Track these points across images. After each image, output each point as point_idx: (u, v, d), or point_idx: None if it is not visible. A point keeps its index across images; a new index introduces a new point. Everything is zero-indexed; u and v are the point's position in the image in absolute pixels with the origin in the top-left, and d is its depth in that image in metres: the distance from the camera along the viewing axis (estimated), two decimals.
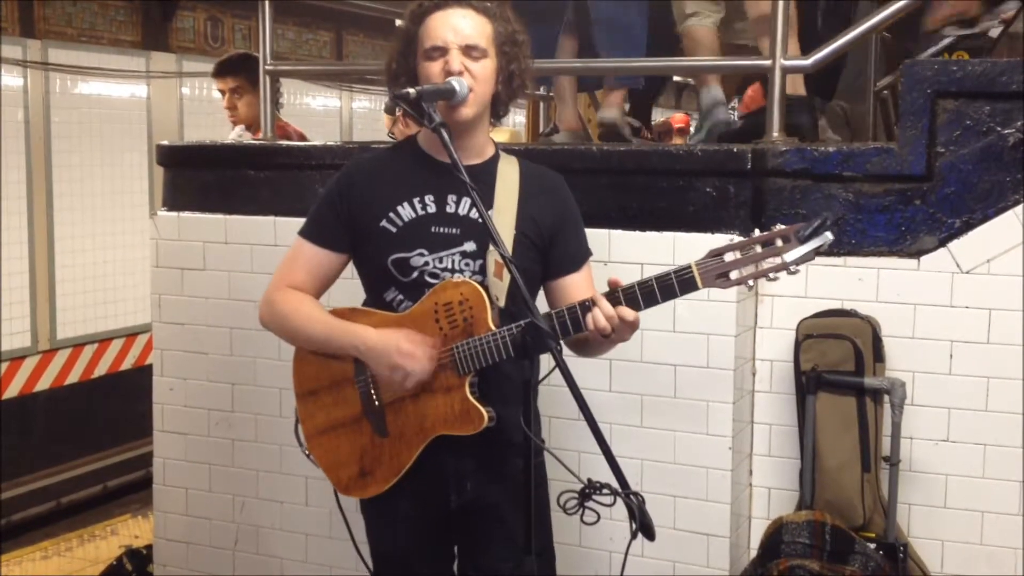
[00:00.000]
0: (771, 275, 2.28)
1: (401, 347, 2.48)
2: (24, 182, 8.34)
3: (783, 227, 2.27)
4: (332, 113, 11.87)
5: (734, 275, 2.30)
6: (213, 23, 10.41)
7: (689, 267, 2.32)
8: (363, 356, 2.56)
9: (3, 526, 7.83)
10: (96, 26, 9.09)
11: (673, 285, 2.33)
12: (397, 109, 5.43)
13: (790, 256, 2.25)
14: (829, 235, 2.24)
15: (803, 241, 2.24)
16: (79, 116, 8.77)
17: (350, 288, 2.75)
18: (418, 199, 2.58)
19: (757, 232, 2.30)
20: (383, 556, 2.76)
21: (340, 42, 12.28)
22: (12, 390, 8.40)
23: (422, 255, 2.55)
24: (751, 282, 2.31)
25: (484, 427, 2.50)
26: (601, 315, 2.35)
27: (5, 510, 8.00)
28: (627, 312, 2.35)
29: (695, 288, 2.33)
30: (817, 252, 2.25)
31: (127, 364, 9.32)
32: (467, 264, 2.55)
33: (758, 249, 2.28)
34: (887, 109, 5.73)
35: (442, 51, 2.51)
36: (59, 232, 8.64)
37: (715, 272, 2.31)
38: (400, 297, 2.58)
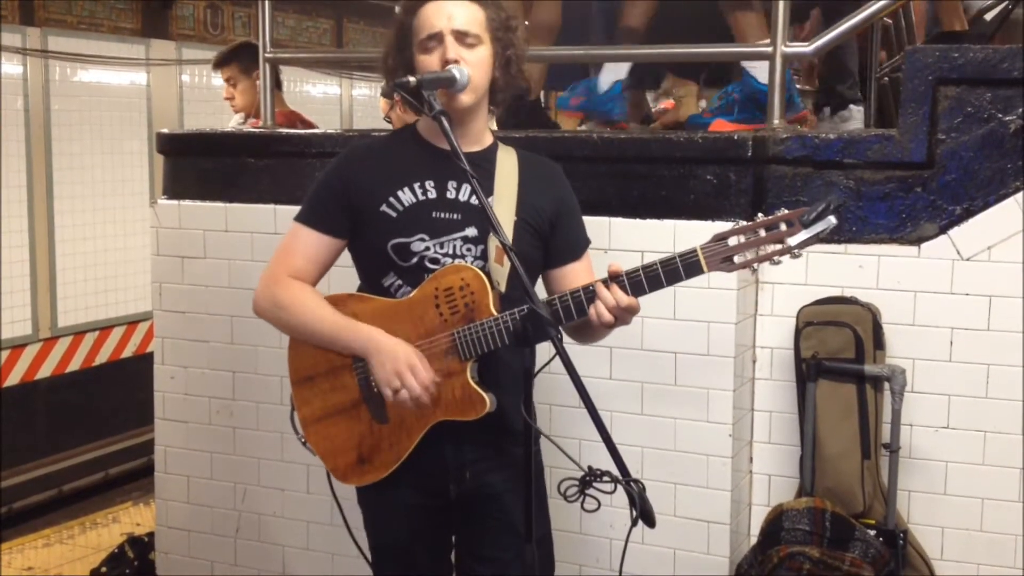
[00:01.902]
0: (775, 259, 2.29)
1: (413, 362, 2.46)
2: (24, 170, 8.33)
3: (787, 211, 2.29)
4: (332, 100, 11.85)
5: (738, 259, 2.31)
6: (213, 10, 10.38)
7: (694, 251, 2.33)
8: (369, 355, 2.53)
9: (5, 514, 7.84)
10: (96, 14, 9.06)
11: (678, 269, 2.34)
12: (395, 94, 5.44)
13: (794, 240, 2.26)
14: (833, 219, 2.26)
15: (807, 225, 2.25)
16: (79, 104, 8.75)
17: (347, 275, 2.75)
18: (418, 184, 2.57)
19: (761, 216, 2.31)
20: (382, 547, 2.76)
21: (340, 30, 12.25)
22: (13, 378, 8.40)
23: (423, 240, 2.54)
24: (756, 266, 2.32)
25: (485, 412, 2.49)
26: (605, 309, 2.36)
27: (7, 498, 8.01)
28: (623, 298, 2.36)
29: (700, 272, 2.34)
30: (820, 237, 2.26)
31: (128, 352, 9.32)
32: (468, 249, 2.55)
33: (762, 233, 2.29)
34: (887, 96, 5.73)
35: (437, 40, 2.51)
36: (59, 220, 8.62)
37: (720, 256, 2.32)
38: (399, 282, 2.57)
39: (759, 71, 3.86)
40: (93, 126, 8.89)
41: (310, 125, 5.38)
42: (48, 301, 8.60)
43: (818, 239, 2.26)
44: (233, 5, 10.57)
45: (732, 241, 2.31)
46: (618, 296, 2.36)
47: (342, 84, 11.95)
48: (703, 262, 2.32)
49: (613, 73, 4.19)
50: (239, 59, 5.44)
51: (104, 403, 9.06)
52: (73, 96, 8.71)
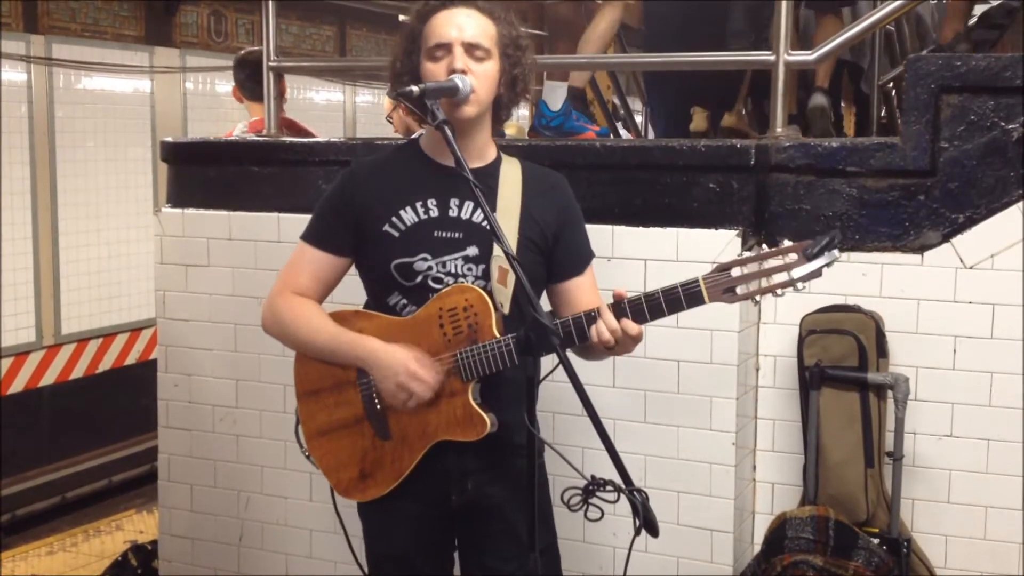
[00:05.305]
0: (778, 292, 2.30)
1: (410, 368, 2.47)
2: (28, 177, 8.36)
3: (791, 244, 2.30)
4: (335, 108, 11.86)
5: (740, 290, 2.32)
6: (216, 18, 10.40)
7: (696, 281, 2.34)
8: (369, 369, 2.54)
9: (8, 521, 7.85)
10: (99, 21, 9.09)
11: (680, 299, 2.35)
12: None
13: (797, 273, 2.28)
14: (837, 253, 2.27)
15: (811, 258, 2.26)
16: (83, 111, 8.78)
17: (352, 286, 2.75)
18: (420, 203, 2.57)
19: (765, 247, 2.32)
20: (382, 557, 2.75)
21: (343, 36, 12.27)
22: (17, 385, 8.42)
23: (425, 259, 2.54)
24: (757, 297, 2.32)
25: (486, 433, 2.50)
26: (605, 329, 2.37)
27: (10, 505, 8.02)
28: (631, 326, 2.38)
29: (702, 302, 2.35)
30: (824, 270, 2.27)
31: (131, 359, 9.33)
32: (470, 269, 2.55)
33: (765, 264, 2.29)
34: (891, 104, 5.74)
35: (446, 49, 2.50)
36: (63, 227, 8.65)
37: (722, 287, 2.33)
38: (404, 301, 2.57)
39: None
40: (97, 133, 8.92)
41: (307, 133, 5.35)
42: (52, 308, 8.62)
43: (821, 273, 2.27)
44: (236, 12, 10.60)
45: (735, 272, 2.32)
46: (624, 324, 2.37)
47: (345, 91, 11.97)
48: (705, 293, 2.34)
49: (562, 90, 4.23)
50: (239, 78, 5.34)
51: (107, 410, 9.07)
52: (77, 103, 8.74)
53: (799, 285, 2.28)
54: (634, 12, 4.85)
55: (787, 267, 2.28)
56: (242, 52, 5.45)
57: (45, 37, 8.51)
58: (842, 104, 5.66)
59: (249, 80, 5.16)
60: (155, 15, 9.61)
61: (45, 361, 8.66)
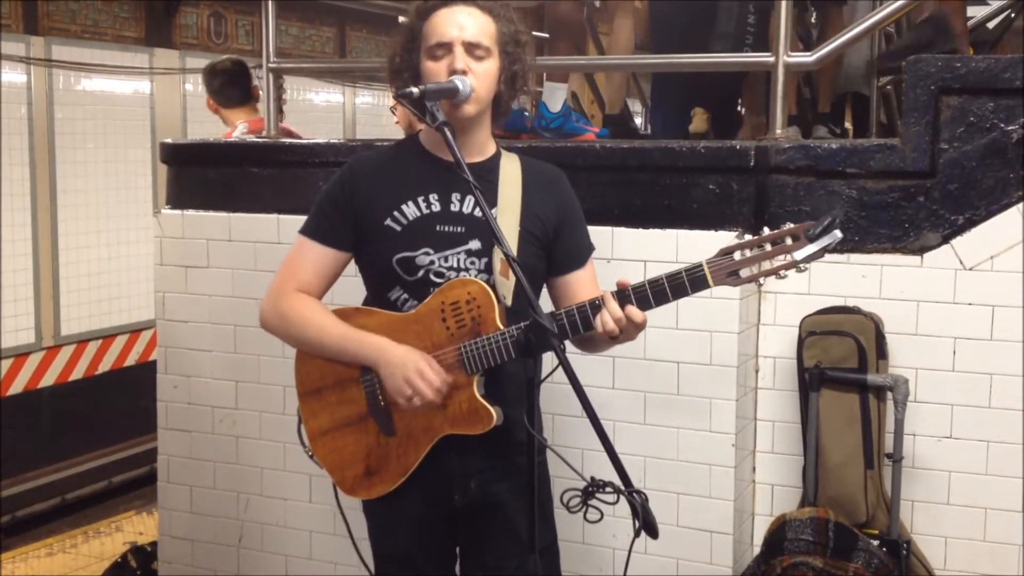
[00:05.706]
0: (781, 273, 2.30)
1: (419, 365, 2.46)
2: (28, 179, 8.35)
3: (792, 225, 2.29)
4: (335, 109, 11.86)
5: (744, 273, 2.32)
6: (216, 19, 10.40)
7: (700, 265, 2.34)
8: (377, 367, 2.53)
9: (7, 522, 7.85)
10: (99, 23, 9.08)
11: (684, 283, 2.35)
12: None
13: (800, 254, 2.27)
14: (838, 233, 2.27)
15: (812, 239, 2.26)
16: (83, 112, 8.77)
17: (352, 285, 2.75)
18: (422, 197, 2.57)
19: (766, 230, 2.31)
20: (385, 555, 2.75)
21: (343, 38, 12.27)
22: (16, 386, 8.41)
23: (427, 254, 2.54)
24: (761, 280, 2.32)
25: (492, 427, 2.49)
26: (610, 317, 2.36)
27: (9, 506, 8.01)
28: (635, 313, 2.37)
29: (706, 286, 2.35)
30: (826, 251, 2.27)
31: (131, 360, 9.33)
32: (472, 262, 2.55)
33: (768, 247, 2.29)
34: (890, 105, 5.74)
35: (446, 49, 2.51)
36: (63, 228, 8.64)
37: (726, 270, 2.33)
38: (405, 296, 2.57)
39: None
40: (97, 135, 8.91)
41: (292, 134, 5.33)
42: (51, 309, 8.62)
43: (824, 253, 2.27)
44: (236, 13, 10.59)
45: (738, 255, 2.32)
46: (629, 311, 2.37)
47: (345, 92, 11.96)
48: (709, 276, 2.34)
49: (561, 92, 4.24)
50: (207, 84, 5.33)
51: (107, 411, 9.06)
52: (77, 105, 8.73)
53: (802, 266, 2.28)
54: (642, 16, 4.86)
55: (790, 248, 2.28)
56: (211, 63, 5.46)
57: (45, 38, 8.51)
58: (846, 125, 5.65)
59: (225, 86, 5.19)
60: (155, 16, 9.61)
61: (45, 362, 8.65)
